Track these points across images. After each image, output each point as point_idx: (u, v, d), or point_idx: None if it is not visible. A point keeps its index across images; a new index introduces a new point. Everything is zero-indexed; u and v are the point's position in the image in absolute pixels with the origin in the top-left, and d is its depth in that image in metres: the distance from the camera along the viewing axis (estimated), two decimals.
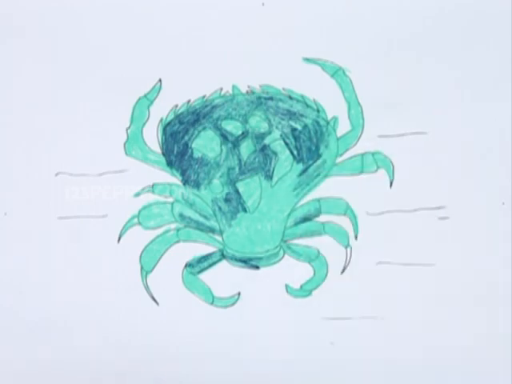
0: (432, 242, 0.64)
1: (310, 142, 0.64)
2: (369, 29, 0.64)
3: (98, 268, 0.64)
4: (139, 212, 0.64)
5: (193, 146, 0.64)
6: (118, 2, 0.65)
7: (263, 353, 0.64)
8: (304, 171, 0.64)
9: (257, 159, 0.64)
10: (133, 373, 0.64)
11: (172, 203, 0.64)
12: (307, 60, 0.64)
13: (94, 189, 0.64)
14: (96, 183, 0.64)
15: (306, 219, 0.64)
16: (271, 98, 0.64)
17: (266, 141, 0.64)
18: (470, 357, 0.64)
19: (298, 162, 0.64)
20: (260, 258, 0.64)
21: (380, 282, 0.64)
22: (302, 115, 0.64)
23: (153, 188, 0.64)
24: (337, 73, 0.64)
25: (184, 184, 0.64)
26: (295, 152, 0.64)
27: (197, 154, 0.64)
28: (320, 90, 0.64)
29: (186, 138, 0.64)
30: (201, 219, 0.64)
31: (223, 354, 0.64)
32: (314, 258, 0.64)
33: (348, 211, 0.64)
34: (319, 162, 0.64)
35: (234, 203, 0.64)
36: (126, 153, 0.64)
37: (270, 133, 0.64)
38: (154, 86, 0.64)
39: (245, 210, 0.64)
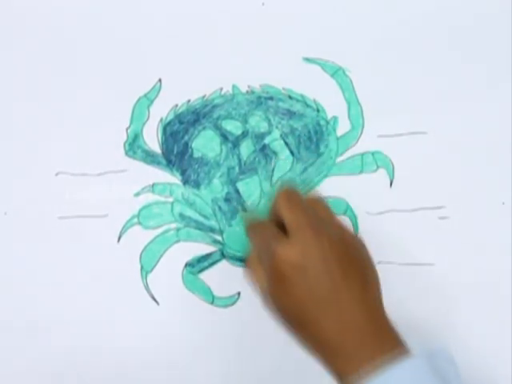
0: (432, 242, 0.64)
1: (309, 141, 0.64)
2: (369, 29, 0.64)
3: (98, 268, 0.64)
4: (139, 212, 0.64)
5: (193, 145, 0.64)
6: (118, 2, 0.65)
7: (263, 353, 0.64)
8: (304, 171, 0.64)
9: (257, 159, 0.64)
10: (132, 373, 0.64)
11: (172, 203, 0.64)
12: (307, 60, 0.64)
13: (94, 189, 0.64)
14: (96, 183, 0.64)
15: None
16: (271, 98, 0.64)
17: (266, 140, 0.64)
18: (470, 357, 0.64)
19: (297, 161, 0.64)
20: None
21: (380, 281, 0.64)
22: (301, 115, 0.64)
23: (153, 188, 0.64)
24: (337, 73, 0.64)
25: (184, 184, 0.64)
26: (295, 152, 0.64)
27: (197, 154, 0.64)
28: (320, 89, 0.64)
29: (186, 137, 0.64)
30: (201, 219, 0.64)
31: (223, 354, 0.64)
32: None
33: (348, 211, 0.64)
34: (319, 161, 0.64)
35: (234, 203, 0.64)
36: (125, 153, 0.64)
37: (269, 132, 0.64)
38: (154, 86, 0.64)
39: (245, 210, 0.64)
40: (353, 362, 0.48)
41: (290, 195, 0.54)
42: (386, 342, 0.50)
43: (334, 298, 0.50)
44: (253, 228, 0.58)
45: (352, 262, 0.52)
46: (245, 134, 0.64)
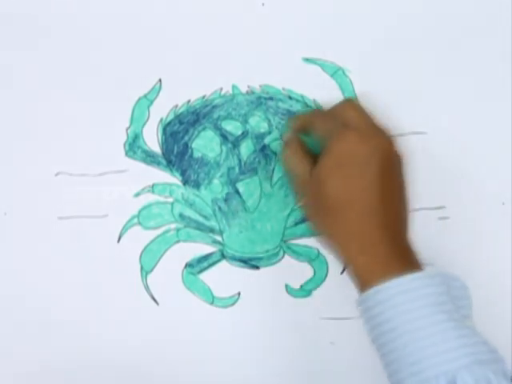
0: (432, 242, 0.64)
1: None
2: (369, 29, 0.64)
3: (98, 268, 0.64)
4: (139, 212, 0.64)
5: (193, 146, 0.64)
6: (118, 2, 0.64)
7: (263, 353, 0.64)
8: None
9: (257, 159, 0.64)
10: (132, 373, 0.64)
11: (172, 203, 0.64)
12: (307, 60, 0.64)
13: (94, 189, 0.64)
14: (96, 183, 0.64)
15: (305, 219, 0.64)
16: (271, 98, 0.64)
17: (266, 141, 0.64)
18: None
19: None
20: (260, 258, 0.64)
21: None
22: None
23: (153, 188, 0.64)
24: (337, 73, 0.64)
25: (184, 184, 0.64)
26: None
27: (197, 154, 0.64)
28: (320, 90, 0.64)
29: (186, 138, 0.64)
30: (201, 219, 0.64)
31: (223, 355, 0.64)
32: (313, 258, 0.64)
33: None
34: None
35: (234, 203, 0.64)
36: (125, 153, 0.64)
37: (269, 133, 0.64)
38: (154, 86, 0.64)
39: (245, 210, 0.64)
40: (377, 261, 0.52)
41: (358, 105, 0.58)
42: (410, 255, 0.54)
43: (373, 194, 0.53)
44: (316, 115, 0.60)
45: (396, 179, 0.57)
46: (245, 135, 0.64)
